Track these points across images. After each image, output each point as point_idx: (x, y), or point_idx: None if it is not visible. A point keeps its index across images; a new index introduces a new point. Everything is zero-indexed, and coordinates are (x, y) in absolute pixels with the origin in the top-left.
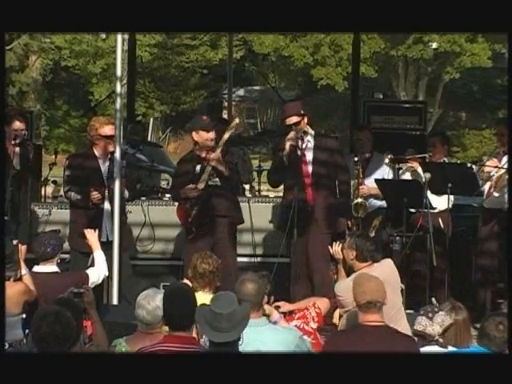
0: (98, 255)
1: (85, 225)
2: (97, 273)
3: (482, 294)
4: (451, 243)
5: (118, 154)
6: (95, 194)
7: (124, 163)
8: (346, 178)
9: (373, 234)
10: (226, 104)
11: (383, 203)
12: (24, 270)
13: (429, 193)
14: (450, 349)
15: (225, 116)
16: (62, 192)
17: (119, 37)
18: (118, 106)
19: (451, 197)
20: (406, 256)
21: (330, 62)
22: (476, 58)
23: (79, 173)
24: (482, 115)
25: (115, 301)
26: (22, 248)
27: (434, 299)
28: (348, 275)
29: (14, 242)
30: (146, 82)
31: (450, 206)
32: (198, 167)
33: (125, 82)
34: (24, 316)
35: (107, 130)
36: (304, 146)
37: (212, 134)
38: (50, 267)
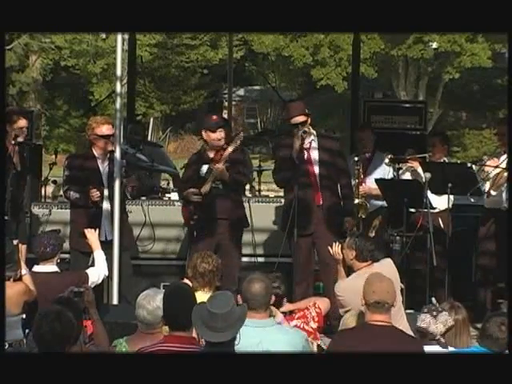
0: (98, 255)
1: (85, 224)
2: (97, 273)
3: (482, 294)
4: (451, 243)
5: (117, 154)
6: (94, 192)
7: (124, 163)
8: (347, 181)
9: (373, 234)
10: (226, 104)
11: (384, 203)
12: (24, 270)
13: (429, 193)
14: (450, 349)
15: (225, 116)
16: (61, 192)
17: (119, 37)
18: (117, 105)
19: (451, 197)
20: (406, 256)
21: (330, 62)
22: (476, 58)
23: (78, 173)
24: (482, 115)
25: (115, 301)
26: (23, 248)
27: (434, 299)
28: (348, 275)
29: (15, 242)
30: (146, 82)
31: (450, 205)
32: (205, 168)
33: (125, 81)
34: (24, 316)
35: (104, 129)
36: (308, 145)
37: (219, 135)
38: (50, 267)
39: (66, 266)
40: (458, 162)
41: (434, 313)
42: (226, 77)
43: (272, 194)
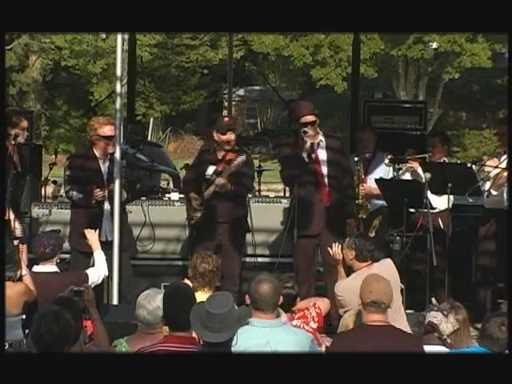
0: (98, 255)
1: (85, 225)
2: (97, 273)
3: (482, 294)
4: (451, 243)
5: (117, 154)
6: (98, 192)
7: (124, 163)
8: (351, 181)
9: (373, 234)
10: (226, 104)
11: (384, 203)
12: (24, 271)
13: (429, 193)
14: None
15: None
16: (62, 192)
17: (119, 37)
18: (118, 105)
19: (451, 197)
20: (406, 256)
21: (330, 62)
22: (476, 58)
23: (80, 173)
24: (482, 115)
25: (115, 301)
26: (23, 248)
27: (433, 299)
28: (348, 275)
29: (15, 242)
30: (146, 82)
31: (450, 205)
32: (211, 170)
33: (125, 81)
34: (24, 316)
35: (106, 130)
36: (316, 146)
37: (228, 137)
38: (50, 267)
39: (66, 266)
40: (458, 162)
41: (445, 312)
42: (226, 77)
43: (272, 194)
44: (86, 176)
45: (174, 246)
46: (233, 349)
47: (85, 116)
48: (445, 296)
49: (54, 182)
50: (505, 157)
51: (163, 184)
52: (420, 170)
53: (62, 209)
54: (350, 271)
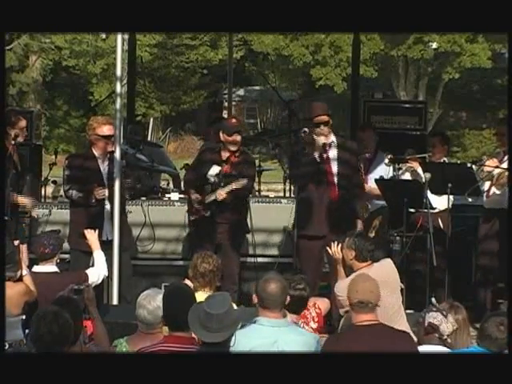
0: (98, 255)
1: (85, 224)
2: (96, 273)
3: (482, 294)
4: (451, 243)
5: (117, 154)
6: (99, 190)
7: (124, 163)
8: (359, 180)
9: (373, 234)
10: (226, 104)
11: (385, 202)
12: (25, 271)
13: (429, 193)
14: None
15: (225, 116)
16: (62, 192)
17: (119, 37)
18: (117, 105)
19: (451, 197)
20: (406, 256)
21: (330, 62)
22: (476, 58)
23: (79, 173)
24: (482, 115)
25: (115, 301)
26: (24, 248)
27: (433, 299)
28: (348, 275)
29: (16, 242)
30: (146, 82)
31: (450, 205)
32: (214, 170)
33: (125, 81)
34: (24, 317)
35: (105, 129)
36: (328, 147)
37: (234, 139)
38: (50, 267)
39: (66, 266)
40: (458, 162)
41: (444, 312)
42: (225, 77)
43: (272, 194)
44: (85, 176)
45: (174, 246)
46: (238, 346)
47: (85, 116)
48: (445, 296)
49: (54, 182)
50: (507, 157)
51: (163, 184)
52: (420, 170)
53: (61, 209)
54: (349, 271)
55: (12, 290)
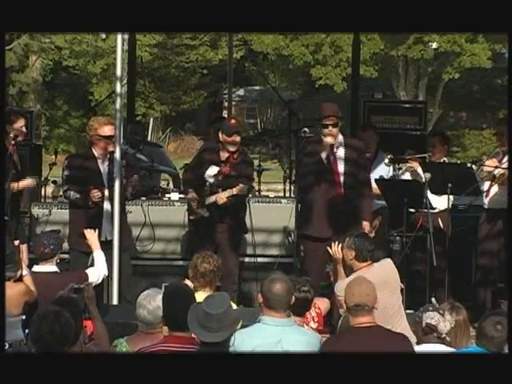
0: (98, 255)
1: (84, 225)
2: (96, 273)
3: (482, 294)
4: (451, 243)
5: (117, 154)
6: (95, 193)
7: (123, 163)
8: (366, 178)
9: (373, 234)
10: (226, 104)
11: (385, 202)
12: (25, 271)
13: (429, 193)
14: (450, 349)
15: (225, 115)
16: (61, 192)
17: (119, 37)
18: (117, 105)
19: (451, 197)
20: (406, 256)
21: (331, 61)
22: (476, 58)
23: (78, 173)
24: (482, 115)
25: (115, 301)
26: (24, 248)
27: (433, 299)
28: (348, 275)
29: (16, 242)
30: (146, 82)
31: (450, 205)
32: (212, 171)
33: (125, 81)
34: (24, 317)
35: (106, 130)
36: (336, 149)
37: (233, 139)
38: (50, 267)
39: (66, 266)
40: (458, 162)
41: (441, 311)
42: (225, 77)
43: (272, 194)
44: (84, 176)
45: (174, 246)
46: (243, 345)
47: (85, 116)
48: (445, 296)
49: (54, 182)
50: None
51: (163, 184)
52: (420, 170)
53: (61, 209)
54: (349, 271)
55: (12, 290)
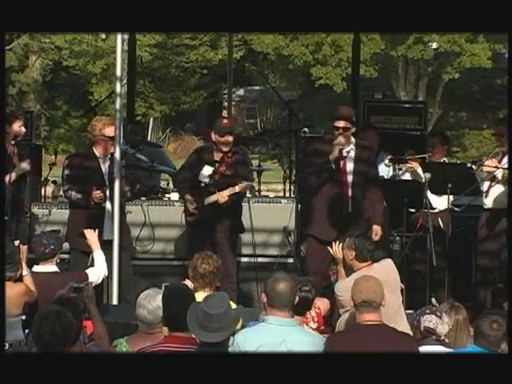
0: (98, 255)
1: (84, 224)
2: (96, 273)
3: (482, 294)
4: (451, 243)
5: (117, 154)
6: (97, 194)
7: (123, 163)
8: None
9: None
10: (226, 104)
11: (385, 203)
12: (25, 271)
13: (429, 193)
14: (449, 350)
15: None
16: (61, 192)
17: (119, 37)
18: (117, 106)
19: (451, 197)
20: (406, 256)
21: (331, 61)
22: (476, 59)
23: (79, 172)
24: (482, 115)
25: (115, 301)
26: (24, 248)
27: (433, 299)
28: (348, 275)
29: (16, 242)
30: (146, 82)
31: (450, 205)
32: (206, 171)
33: (125, 82)
34: (24, 317)
35: (110, 130)
36: (346, 154)
37: (225, 139)
38: (50, 267)
39: (66, 266)
40: (458, 162)
41: (438, 313)
42: (225, 77)
43: (272, 194)
44: (85, 175)
45: (174, 246)
46: (247, 344)
47: (85, 116)
48: (445, 296)
49: (54, 182)
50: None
51: (163, 184)
52: (420, 170)
53: (61, 209)
54: (349, 271)
55: (12, 290)
